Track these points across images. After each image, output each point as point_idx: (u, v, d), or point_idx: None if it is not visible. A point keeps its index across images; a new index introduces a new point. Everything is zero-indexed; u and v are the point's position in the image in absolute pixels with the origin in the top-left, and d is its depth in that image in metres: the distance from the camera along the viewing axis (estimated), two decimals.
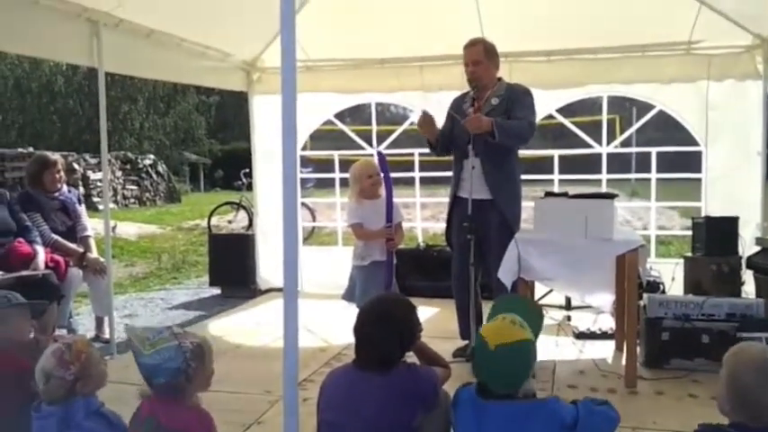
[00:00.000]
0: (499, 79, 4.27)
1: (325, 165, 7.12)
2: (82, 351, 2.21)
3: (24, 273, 4.02)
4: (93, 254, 4.74)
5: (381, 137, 6.68)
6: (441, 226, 10.28)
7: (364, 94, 6.48)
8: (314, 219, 10.49)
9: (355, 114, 8.55)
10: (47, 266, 4.25)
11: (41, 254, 4.26)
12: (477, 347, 2.10)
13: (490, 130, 3.94)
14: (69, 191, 4.92)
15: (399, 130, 6.87)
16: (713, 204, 5.55)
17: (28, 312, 2.60)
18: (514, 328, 2.09)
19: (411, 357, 2.44)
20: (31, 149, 16.57)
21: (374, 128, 6.68)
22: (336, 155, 6.80)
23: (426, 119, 4.24)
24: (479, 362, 2.09)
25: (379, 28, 5.50)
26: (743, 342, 1.92)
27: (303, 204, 8.67)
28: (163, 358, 2.07)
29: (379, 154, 4.53)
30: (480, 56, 4.15)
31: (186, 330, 2.23)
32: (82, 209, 4.94)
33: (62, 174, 4.83)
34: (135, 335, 2.13)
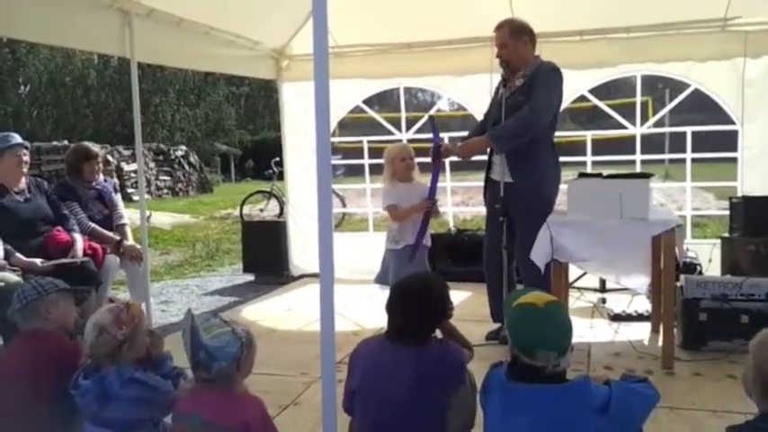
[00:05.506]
0: (537, 57, 4.15)
1: (355, 152, 7.13)
2: (136, 315, 2.29)
3: (63, 260, 4.09)
4: (130, 241, 4.82)
5: (410, 122, 6.65)
6: (471, 210, 10.35)
7: (392, 80, 6.45)
8: (344, 206, 10.54)
9: (383, 101, 8.54)
10: (85, 254, 4.30)
11: (79, 242, 4.33)
12: (523, 314, 1.97)
13: (487, 148, 3.99)
14: (105, 180, 4.99)
15: (427, 115, 6.84)
16: (750, 184, 5.44)
17: (71, 297, 2.66)
18: (545, 294, 2.07)
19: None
20: (65, 142, 16.86)
21: (403, 113, 6.65)
22: (365, 141, 6.80)
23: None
24: (529, 325, 1.94)
25: (405, 12, 5.47)
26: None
27: (333, 191, 8.69)
28: (223, 342, 2.05)
29: (431, 118, 4.48)
30: (506, 38, 4.08)
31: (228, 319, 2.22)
32: (118, 198, 5.01)
33: (101, 165, 4.92)
34: (190, 319, 2.11)
